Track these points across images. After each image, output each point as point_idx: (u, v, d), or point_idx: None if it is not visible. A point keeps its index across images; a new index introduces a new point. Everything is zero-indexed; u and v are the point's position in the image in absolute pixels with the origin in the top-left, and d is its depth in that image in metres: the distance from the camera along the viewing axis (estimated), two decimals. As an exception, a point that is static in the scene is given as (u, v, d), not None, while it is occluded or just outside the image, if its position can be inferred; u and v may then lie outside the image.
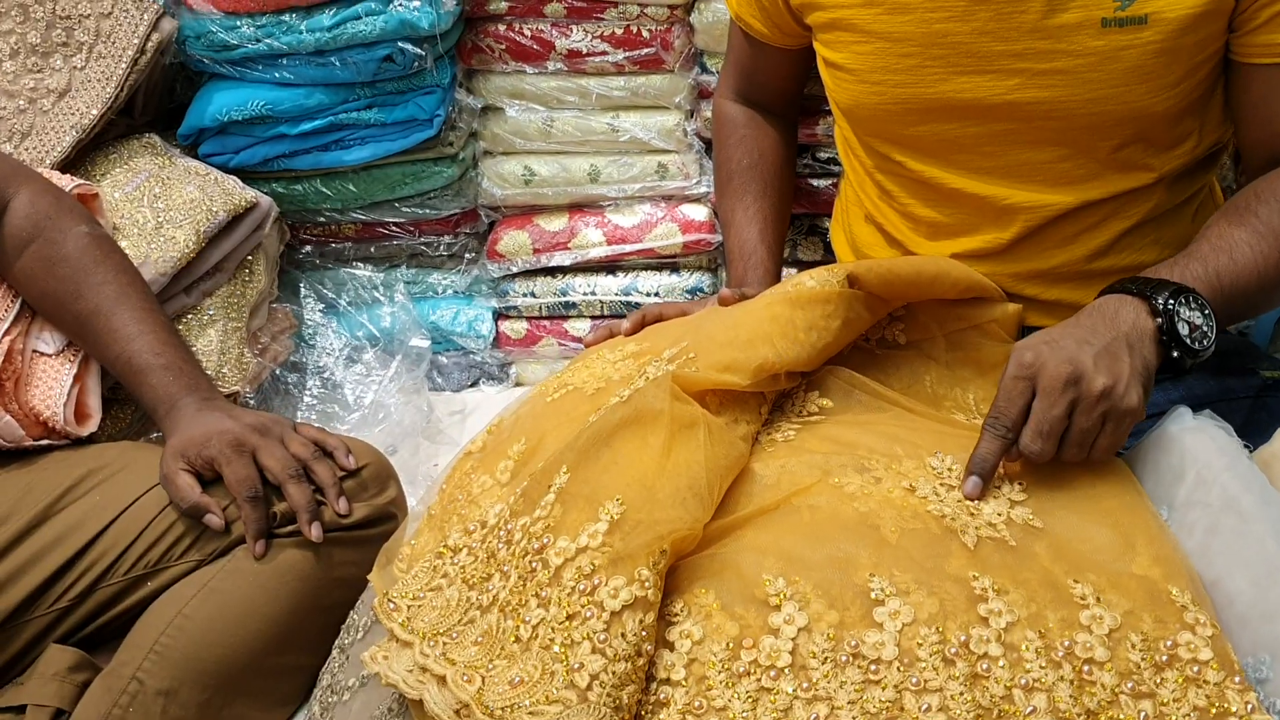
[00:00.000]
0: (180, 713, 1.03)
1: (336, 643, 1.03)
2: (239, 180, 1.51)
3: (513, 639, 0.78)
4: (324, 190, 1.62)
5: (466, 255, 1.70)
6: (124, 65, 1.48)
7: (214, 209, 1.43)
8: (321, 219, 1.67)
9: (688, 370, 0.94)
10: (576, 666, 0.73)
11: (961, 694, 0.73)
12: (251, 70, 1.53)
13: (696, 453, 0.87)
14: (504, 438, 1.01)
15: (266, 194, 1.53)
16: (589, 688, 0.72)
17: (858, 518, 0.86)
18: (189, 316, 1.43)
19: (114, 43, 1.48)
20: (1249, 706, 0.73)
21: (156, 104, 1.62)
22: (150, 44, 1.49)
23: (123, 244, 1.34)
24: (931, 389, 1.09)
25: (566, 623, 0.75)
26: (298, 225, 1.69)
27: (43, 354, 1.23)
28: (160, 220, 1.41)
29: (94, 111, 1.46)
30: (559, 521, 0.82)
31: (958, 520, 0.85)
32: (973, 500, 0.88)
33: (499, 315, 1.72)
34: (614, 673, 0.73)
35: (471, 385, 1.72)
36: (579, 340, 1.68)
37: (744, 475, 0.92)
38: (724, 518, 0.87)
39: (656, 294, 1.64)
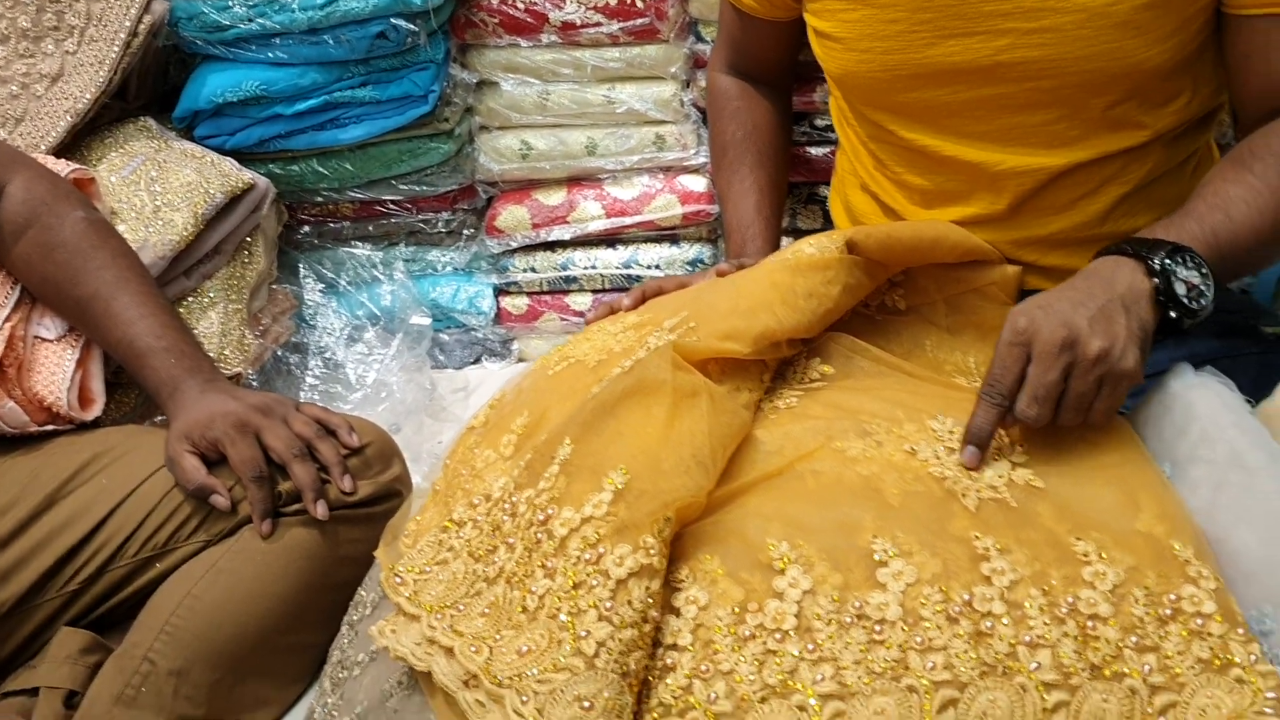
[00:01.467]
0: (192, 692, 1.04)
1: (345, 619, 1.03)
2: (235, 162, 1.51)
3: (519, 609, 0.78)
4: (321, 170, 1.62)
5: (465, 232, 1.70)
6: (116, 48, 1.48)
7: (211, 191, 1.43)
8: (319, 199, 1.67)
9: (689, 340, 0.94)
10: (583, 634, 0.73)
11: (966, 652, 0.73)
12: (245, 51, 1.53)
13: (700, 421, 0.87)
14: (506, 412, 1.01)
15: (264, 175, 1.53)
16: (596, 655, 0.73)
17: (860, 481, 0.86)
18: (189, 299, 1.43)
19: (105, 26, 1.48)
20: (1252, 657, 0.73)
21: (151, 87, 1.62)
22: (142, 26, 1.49)
23: (120, 228, 1.34)
24: (933, 353, 1.10)
25: (573, 591, 0.76)
26: (296, 206, 1.69)
27: (44, 340, 1.23)
28: (158, 204, 1.41)
29: (88, 95, 1.46)
30: (564, 493, 0.82)
31: (959, 483, 0.85)
32: (972, 469, 0.87)
33: (500, 291, 1.72)
34: (620, 639, 0.73)
35: (474, 362, 1.73)
36: (580, 314, 1.69)
37: (747, 442, 0.92)
38: (728, 485, 0.87)
39: (657, 266, 1.64)
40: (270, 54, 1.52)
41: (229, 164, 1.50)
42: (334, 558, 1.11)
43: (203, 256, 1.44)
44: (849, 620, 0.76)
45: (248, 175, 1.48)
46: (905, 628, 0.75)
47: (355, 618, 1.01)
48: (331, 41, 1.50)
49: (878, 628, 0.75)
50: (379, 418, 1.42)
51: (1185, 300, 0.93)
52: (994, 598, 0.76)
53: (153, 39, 1.51)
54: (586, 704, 0.70)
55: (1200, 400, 0.91)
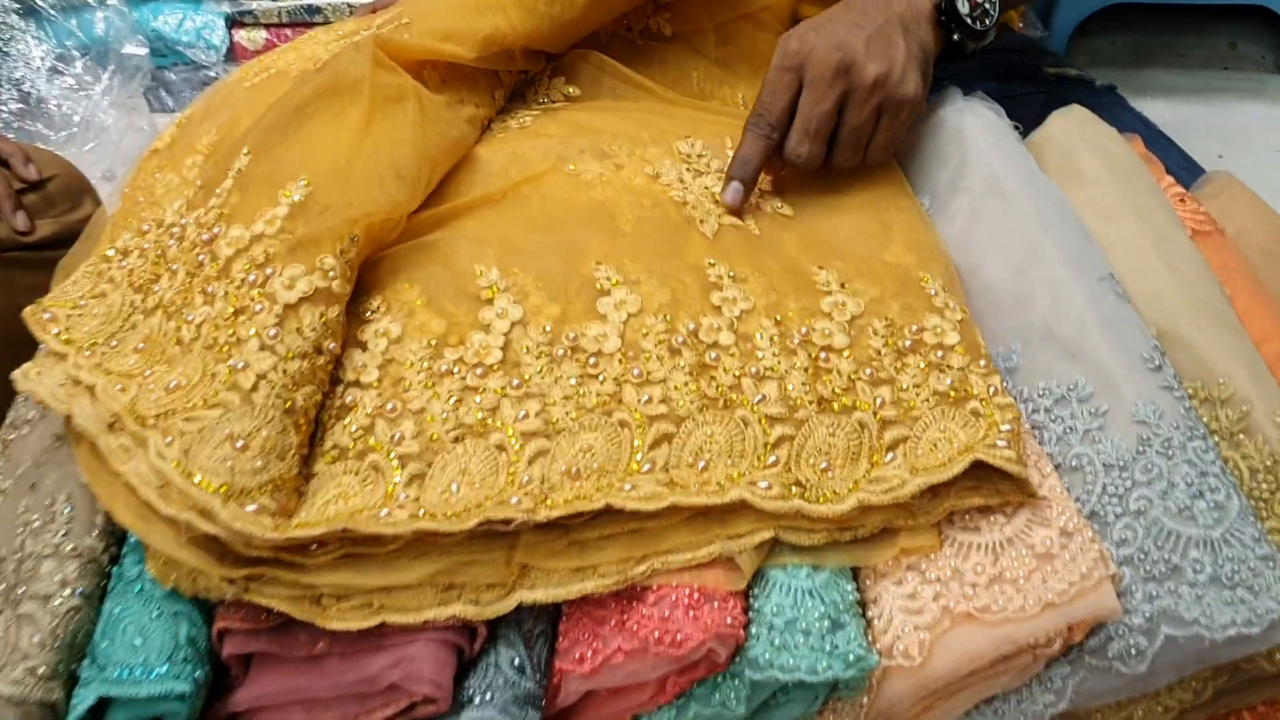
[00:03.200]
0: None
1: (22, 375, 0.90)
2: None
3: (174, 342, 0.66)
4: None
5: (192, -51, 1.49)
6: None
7: None
8: (13, -98, 1.42)
9: (401, 36, 0.80)
10: (241, 366, 0.62)
11: (686, 384, 0.65)
12: None
13: (403, 130, 0.74)
14: (194, 130, 0.86)
15: None
16: (254, 388, 0.61)
17: (593, 205, 0.76)
18: None
19: None
20: (991, 389, 0.67)
21: None
22: None
23: None
24: (699, 85, 0.99)
25: (233, 318, 0.64)
26: (-13, -88, 1.43)
27: None
28: None
29: None
30: (235, 209, 0.69)
31: (700, 208, 0.76)
32: (734, 211, 0.78)
33: (233, 23, 1.52)
34: (285, 371, 0.62)
35: (206, 104, 1.54)
36: (330, 53, 1.51)
37: (468, 162, 0.80)
38: (438, 206, 0.76)
39: (415, -1, 1.47)
40: None
41: None
42: (9, 305, 0.96)
43: None
44: (561, 354, 0.66)
45: None
46: (622, 360, 0.66)
47: (32, 373, 0.88)
48: None
49: (592, 360, 0.66)
50: (87, 161, 1.24)
51: (968, 20, 0.84)
52: (722, 328, 0.68)
53: None
54: (240, 443, 0.60)
55: (964, 124, 0.84)
